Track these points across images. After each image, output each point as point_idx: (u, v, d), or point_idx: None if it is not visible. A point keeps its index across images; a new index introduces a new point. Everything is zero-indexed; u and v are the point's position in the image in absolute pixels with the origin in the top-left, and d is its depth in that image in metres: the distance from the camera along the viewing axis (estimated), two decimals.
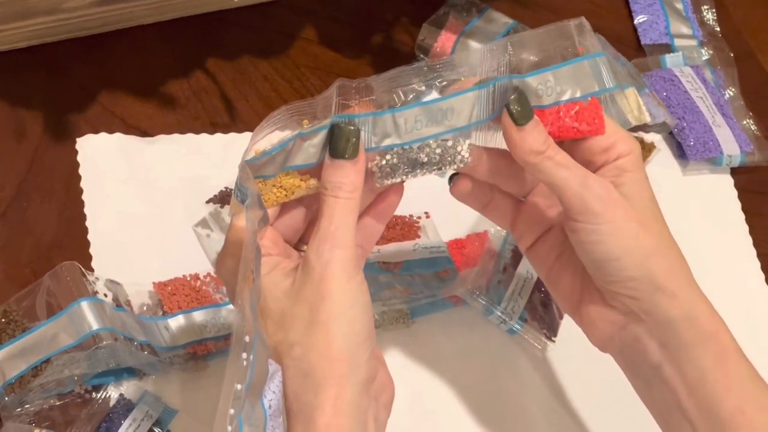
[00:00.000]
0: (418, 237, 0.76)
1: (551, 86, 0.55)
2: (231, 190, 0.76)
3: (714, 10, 0.98)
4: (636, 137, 0.62)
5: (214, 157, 0.79)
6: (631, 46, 0.95)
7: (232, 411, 0.47)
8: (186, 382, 0.69)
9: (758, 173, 0.90)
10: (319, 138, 0.54)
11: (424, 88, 0.55)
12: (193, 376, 0.69)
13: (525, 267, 0.75)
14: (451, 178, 0.60)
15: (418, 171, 0.56)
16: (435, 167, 0.56)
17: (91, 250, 0.73)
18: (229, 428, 0.47)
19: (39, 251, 0.73)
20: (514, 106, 0.54)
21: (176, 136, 0.80)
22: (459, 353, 0.75)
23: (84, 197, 0.75)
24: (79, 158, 0.77)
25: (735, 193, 0.88)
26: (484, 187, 0.61)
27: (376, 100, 0.54)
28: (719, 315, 0.57)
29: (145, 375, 0.68)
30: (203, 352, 0.69)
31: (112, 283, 0.68)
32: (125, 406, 0.66)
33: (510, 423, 0.73)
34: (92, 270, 0.72)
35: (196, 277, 0.72)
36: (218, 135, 0.81)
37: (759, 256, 0.85)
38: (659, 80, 0.91)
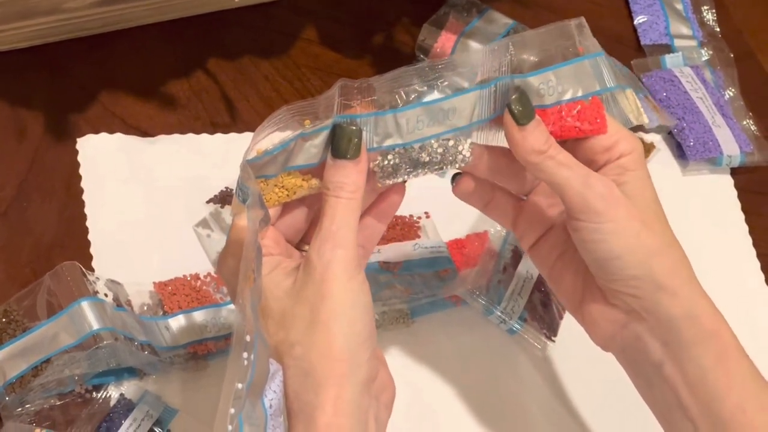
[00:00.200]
0: (418, 237, 0.76)
1: (553, 86, 0.55)
2: (231, 190, 0.76)
3: (714, 11, 0.98)
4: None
5: (215, 157, 0.79)
6: (631, 47, 0.95)
7: (232, 410, 0.47)
8: (186, 381, 0.69)
9: (758, 173, 0.90)
10: (321, 138, 0.54)
11: (425, 88, 0.55)
12: (194, 376, 0.69)
13: (525, 267, 0.75)
14: (454, 177, 0.61)
15: (420, 171, 0.56)
16: (436, 167, 0.56)
17: (92, 250, 0.73)
18: (230, 427, 0.47)
19: (39, 251, 0.73)
20: (515, 106, 0.54)
21: (177, 136, 0.80)
22: (459, 353, 0.75)
23: (84, 197, 0.75)
24: (79, 158, 0.77)
25: (735, 193, 0.88)
26: (486, 186, 0.61)
27: (378, 101, 0.54)
28: (721, 314, 0.57)
29: (145, 375, 0.68)
30: (204, 351, 0.69)
31: (112, 283, 0.68)
32: (126, 406, 0.66)
33: (510, 423, 0.73)
34: (93, 270, 0.72)
35: (196, 277, 0.72)
36: (219, 135, 0.81)
37: (759, 256, 0.86)
38: (659, 80, 0.91)
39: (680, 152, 0.89)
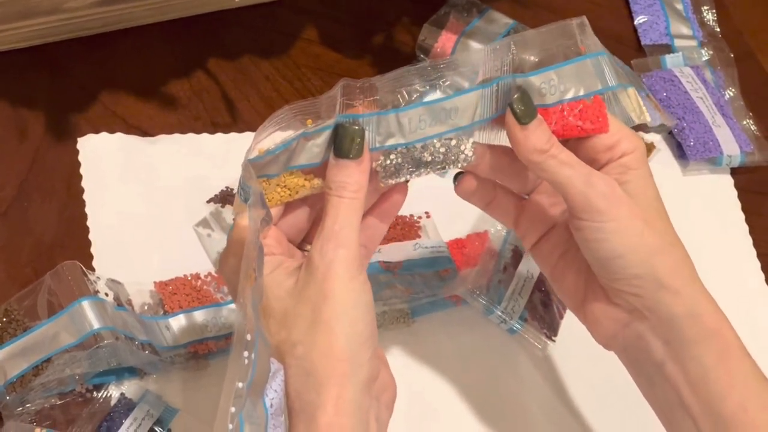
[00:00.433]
0: (419, 237, 0.76)
1: (554, 85, 0.55)
2: (232, 190, 0.76)
3: (714, 11, 0.98)
4: None
5: (215, 157, 0.79)
6: (632, 47, 0.95)
7: (233, 409, 0.47)
8: (187, 381, 0.69)
9: (758, 173, 0.90)
10: (323, 138, 0.54)
11: (427, 87, 0.55)
12: (194, 376, 0.69)
13: (525, 266, 0.75)
14: (456, 176, 0.61)
15: (422, 170, 0.56)
16: (439, 166, 0.56)
17: (92, 250, 0.73)
18: (231, 426, 0.47)
19: (40, 251, 0.73)
20: (517, 105, 0.54)
21: (177, 136, 0.80)
22: (459, 353, 0.75)
23: (85, 197, 0.75)
24: (80, 158, 0.77)
25: (735, 193, 0.89)
26: (488, 185, 0.61)
27: (380, 100, 0.54)
28: (723, 312, 0.57)
29: (146, 374, 0.68)
30: (204, 351, 0.69)
31: (113, 283, 0.68)
32: (126, 406, 0.66)
33: (510, 422, 0.73)
34: (93, 269, 0.72)
35: (197, 276, 0.72)
36: (219, 135, 0.81)
37: (759, 256, 0.86)
38: (659, 80, 0.91)
39: (680, 152, 0.89)
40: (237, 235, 0.54)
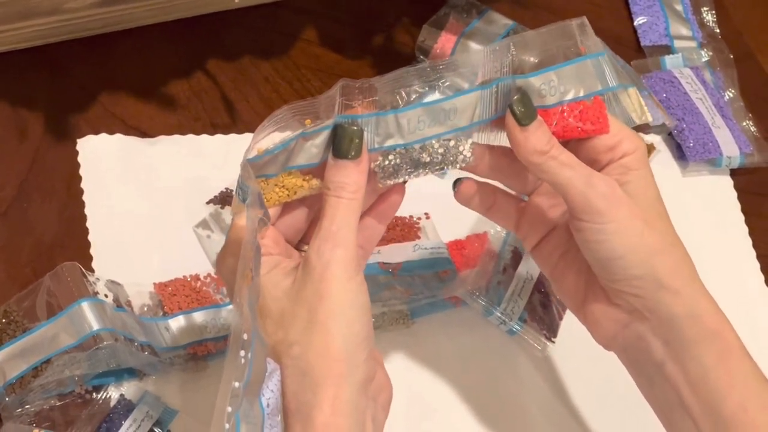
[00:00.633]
0: (418, 238, 0.76)
1: (554, 86, 0.55)
2: (231, 191, 0.76)
3: (714, 12, 0.98)
4: None
5: (215, 158, 0.79)
6: (631, 48, 0.95)
7: (229, 409, 0.47)
8: (186, 382, 0.69)
9: (758, 174, 0.90)
10: (322, 138, 0.54)
11: (426, 88, 0.55)
12: (194, 377, 0.69)
13: (525, 268, 0.75)
14: (455, 183, 0.61)
15: (421, 171, 0.56)
16: (437, 167, 0.56)
17: (92, 251, 0.73)
18: (227, 426, 0.47)
19: (40, 251, 0.73)
20: (517, 107, 0.54)
21: (177, 137, 0.80)
22: (459, 354, 0.75)
23: (85, 198, 0.75)
24: (79, 159, 0.77)
25: (734, 194, 0.88)
26: (488, 190, 0.61)
27: (379, 101, 0.54)
28: (723, 313, 0.57)
29: (145, 375, 0.68)
30: (203, 352, 0.69)
31: (112, 284, 0.68)
32: (126, 407, 0.66)
33: (510, 423, 0.73)
34: (93, 270, 0.72)
35: (196, 277, 0.72)
36: (219, 136, 0.81)
37: (758, 257, 0.86)
38: (659, 81, 0.91)
39: (680, 153, 0.89)
40: (235, 234, 0.54)
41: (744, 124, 0.91)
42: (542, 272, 0.68)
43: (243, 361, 0.48)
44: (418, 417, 0.71)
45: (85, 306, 0.64)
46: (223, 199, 0.76)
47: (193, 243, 0.73)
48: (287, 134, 0.54)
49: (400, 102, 0.55)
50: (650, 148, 0.87)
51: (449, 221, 0.77)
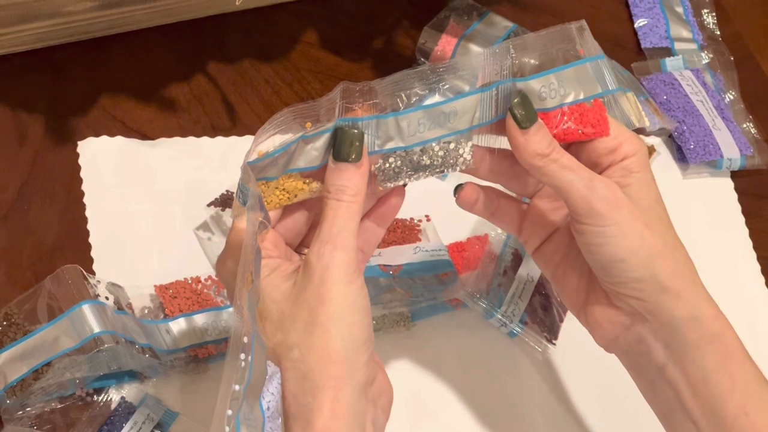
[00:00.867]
0: (419, 240, 0.76)
1: (554, 89, 0.55)
2: (232, 193, 0.76)
3: (714, 14, 0.98)
4: None
5: (215, 160, 0.79)
6: (632, 50, 0.95)
7: (229, 411, 0.47)
8: (187, 385, 0.69)
9: (758, 176, 0.90)
10: (322, 141, 0.54)
11: (426, 91, 0.55)
12: (194, 379, 0.69)
13: (525, 270, 0.75)
14: (456, 188, 0.61)
15: (421, 173, 0.56)
16: (437, 170, 0.56)
17: (93, 253, 0.73)
18: (227, 429, 0.47)
19: (40, 254, 0.73)
20: (517, 109, 0.54)
21: (177, 139, 0.80)
22: (459, 356, 0.75)
23: (85, 200, 0.75)
24: (80, 161, 0.77)
25: (735, 196, 0.88)
26: (491, 194, 0.61)
27: (380, 104, 0.54)
28: (724, 316, 0.57)
29: (146, 378, 0.68)
30: (204, 355, 0.69)
31: (113, 286, 0.68)
32: (126, 409, 0.66)
33: (510, 425, 0.73)
34: (93, 273, 0.72)
35: (197, 280, 0.72)
36: (219, 138, 0.81)
37: (759, 259, 0.86)
38: (659, 84, 0.91)
39: (681, 155, 0.89)
40: (235, 237, 0.54)
41: (744, 126, 0.91)
42: (543, 274, 0.68)
43: (243, 364, 0.48)
44: (418, 419, 0.71)
45: (86, 308, 0.64)
46: (224, 201, 0.76)
47: (194, 245, 0.73)
48: (288, 137, 0.54)
49: (400, 105, 0.55)
50: (651, 151, 0.87)
51: (450, 223, 0.77)
